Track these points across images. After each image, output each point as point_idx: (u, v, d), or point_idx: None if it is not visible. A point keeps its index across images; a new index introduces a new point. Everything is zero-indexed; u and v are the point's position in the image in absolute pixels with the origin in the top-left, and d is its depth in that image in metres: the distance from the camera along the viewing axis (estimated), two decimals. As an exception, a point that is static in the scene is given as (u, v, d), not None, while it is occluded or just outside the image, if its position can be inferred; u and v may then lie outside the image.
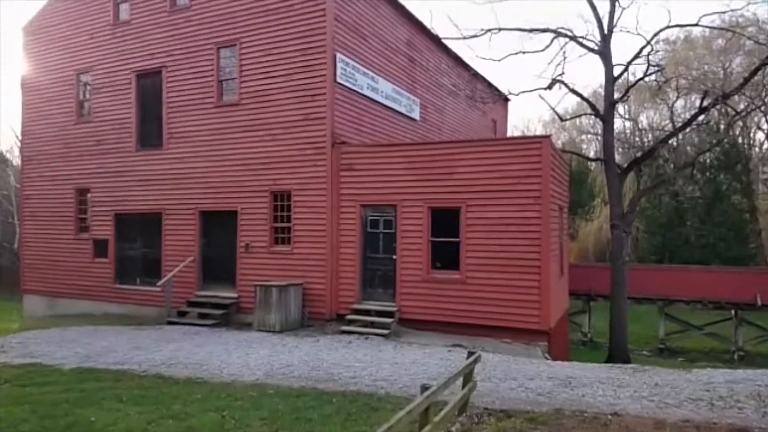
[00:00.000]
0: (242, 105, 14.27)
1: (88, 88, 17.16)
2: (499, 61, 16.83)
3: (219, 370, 9.16)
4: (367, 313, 12.61)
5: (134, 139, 16.14)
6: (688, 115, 23.84)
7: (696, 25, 16.83)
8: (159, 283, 14.55)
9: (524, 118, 64.78)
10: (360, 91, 14.42)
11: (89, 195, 17.04)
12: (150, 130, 15.90)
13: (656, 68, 17.63)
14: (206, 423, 6.59)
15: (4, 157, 44.35)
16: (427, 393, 4.74)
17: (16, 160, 38.14)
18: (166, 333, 12.54)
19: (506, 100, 25.27)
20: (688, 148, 28.31)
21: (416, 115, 17.59)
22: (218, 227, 14.67)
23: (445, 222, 12.21)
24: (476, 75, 20.53)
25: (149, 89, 15.91)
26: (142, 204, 15.88)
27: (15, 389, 8.14)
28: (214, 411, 7.00)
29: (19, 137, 22.44)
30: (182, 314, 14.09)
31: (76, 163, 17.21)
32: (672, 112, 23.36)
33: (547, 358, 10.75)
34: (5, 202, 36.97)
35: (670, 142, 21.41)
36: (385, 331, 11.92)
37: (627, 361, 15.46)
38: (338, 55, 13.43)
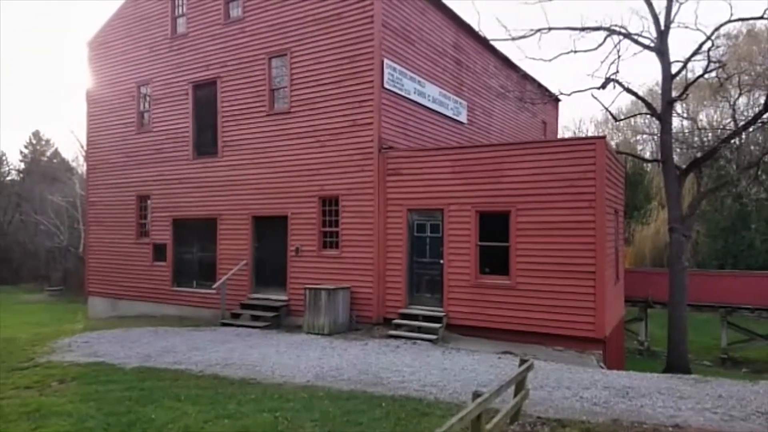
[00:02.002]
0: (293, 113, 14.59)
1: (148, 99, 17.97)
2: (549, 61, 16.54)
3: (271, 371, 9.37)
4: (415, 317, 12.60)
5: (191, 147, 16.77)
6: (751, 113, 22.63)
7: (761, 18, 15.97)
8: (214, 286, 15.04)
9: (575, 118, 63.06)
10: (407, 95, 14.47)
11: (149, 201, 17.82)
12: (206, 139, 16.50)
13: (717, 64, 16.86)
14: (260, 423, 6.75)
15: (69, 165, 47.02)
16: (479, 400, 4.70)
17: (81, 169, 40.37)
18: (221, 334, 12.92)
19: (557, 100, 24.76)
20: (752, 147, 26.82)
21: (463, 118, 17.48)
22: (270, 232, 15.03)
23: (493, 226, 12.06)
24: (525, 76, 20.22)
25: (205, 99, 16.51)
26: (198, 210, 16.47)
27: (81, 387, 8.58)
28: (267, 412, 7.16)
29: (84, 147, 23.74)
30: (236, 316, 14.50)
31: (137, 171, 18.04)
32: (734, 110, 22.16)
33: (602, 367, 10.42)
34: (71, 208, 39.08)
35: (732, 141, 20.40)
36: (433, 337, 11.87)
37: (687, 371, 14.79)
38: (386, 60, 13.54)
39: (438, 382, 8.57)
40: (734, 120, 20.74)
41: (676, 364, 15.86)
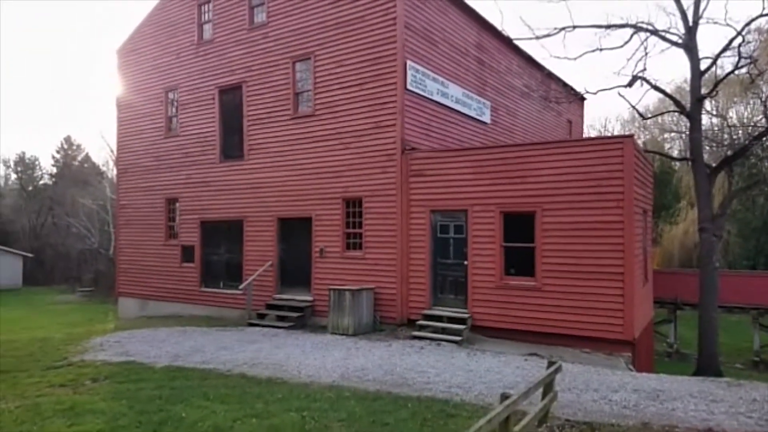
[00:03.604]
0: (317, 116, 14.72)
1: (176, 104, 18.33)
2: (574, 59, 16.30)
3: (297, 371, 9.46)
4: (439, 319, 12.58)
5: (218, 151, 17.05)
6: (785, 110, 21.96)
7: (794, 12, 15.50)
8: (240, 287, 15.24)
9: (601, 117, 62.29)
10: (430, 96, 14.47)
11: (177, 204, 18.16)
12: (232, 143, 16.75)
13: (748, 60, 16.42)
14: (287, 422, 6.83)
15: (100, 170, 48.22)
16: (507, 402, 4.68)
17: (111, 173, 41.36)
18: (248, 334, 13.09)
19: (582, 99, 24.44)
20: (786, 145, 26.05)
21: (487, 118, 17.39)
22: (295, 233, 15.18)
23: (518, 227, 11.97)
24: (550, 75, 20.00)
25: (230, 104, 16.76)
26: (225, 212, 16.73)
27: (113, 385, 8.79)
28: (294, 411, 7.23)
29: (114, 151, 24.32)
30: (261, 316, 14.68)
31: (166, 175, 18.40)
32: (765, 106, 21.56)
33: (631, 370, 10.25)
34: (101, 211, 40.07)
35: (764, 138, 19.84)
36: (458, 338, 11.82)
37: (718, 374, 14.45)
38: (408, 62, 13.56)
39: (463, 383, 8.54)
40: (765, 116, 20.21)
41: (706, 366, 15.50)
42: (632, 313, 10.74)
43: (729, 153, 18.93)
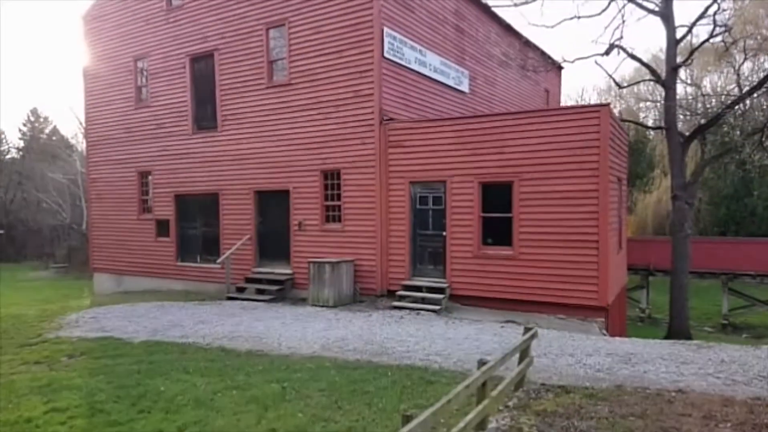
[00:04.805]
0: (292, 85, 14.40)
1: (146, 73, 17.74)
2: (552, 27, 16.26)
3: (278, 343, 9.47)
4: (418, 289, 12.68)
5: (190, 122, 16.63)
6: (756, 78, 22.36)
7: (769, -21, 15.60)
8: (218, 261, 15.10)
9: (578, 86, 62.54)
10: (408, 65, 14.25)
11: (150, 177, 17.76)
12: (205, 113, 16.34)
13: (722, 28, 16.55)
14: (268, 393, 6.85)
15: (69, 143, 46.80)
16: (484, 368, 4.75)
17: (81, 146, 40.22)
18: (227, 308, 13.04)
19: (560, 68, 24.39)
20: (757, 113, 26.53)
21: (465, 87, 17.25)
22: (273, 206, 15.02)
23: (496, 197, 12.02)
24: (528, 43, 19.86)
25: (203, 72, 16.28)
26: (200, 185, 16.43)
27: (90, 361, 8.69)
28: (275, 382, 7.25)
29: (83, 124, 23.57)
30: (241, 290, 14.61)
31: (138, 147, 17.93)
32: (739, 75, 21.88)
33: (604, 335, 10.52)
34: (72, 186, 39.06)
35: (736, 107, 20.18)
36: (437, 307, 11.97)
37: (688, 337, 14.95)
38: (386, 29, 13.29)
39: (442, 351, 8.66)
40: (739, 86, 20.52)
41: (677, 330, 16.02)
42: (606, 279, 10.96)
43: (702, 122, 19.23)
